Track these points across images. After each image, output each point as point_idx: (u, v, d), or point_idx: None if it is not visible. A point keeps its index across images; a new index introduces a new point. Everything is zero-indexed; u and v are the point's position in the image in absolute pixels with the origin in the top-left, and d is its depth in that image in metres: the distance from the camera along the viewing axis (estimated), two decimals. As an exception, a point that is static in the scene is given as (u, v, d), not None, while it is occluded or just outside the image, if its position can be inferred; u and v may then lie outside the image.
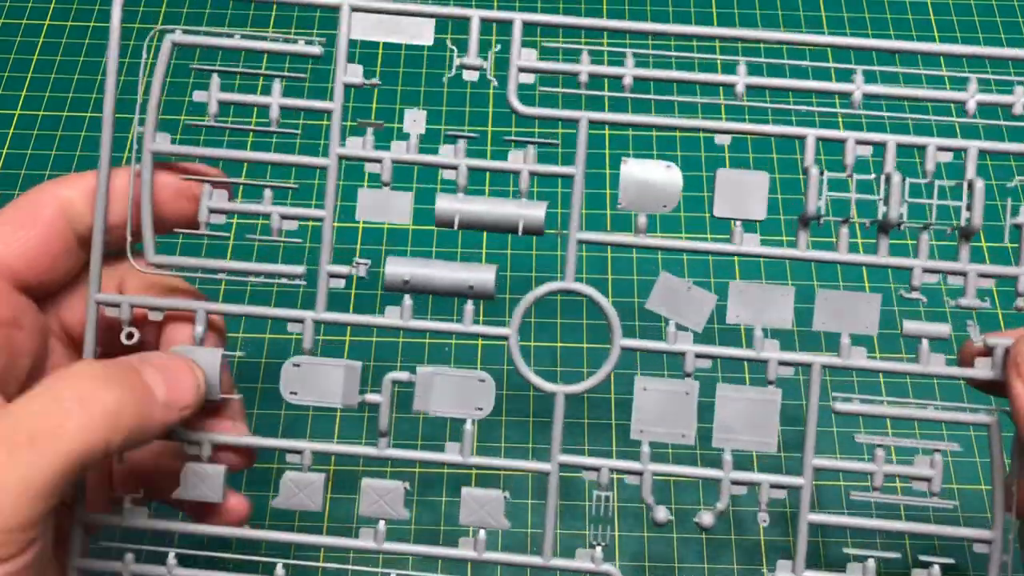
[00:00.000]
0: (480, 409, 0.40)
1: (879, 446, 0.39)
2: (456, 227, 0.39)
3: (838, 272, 0.56)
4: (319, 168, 0.40)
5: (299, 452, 0.40)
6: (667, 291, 0.40)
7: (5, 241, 0.37)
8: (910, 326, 0.39)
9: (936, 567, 0.39)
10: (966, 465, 0.51)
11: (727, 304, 0.40)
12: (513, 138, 0.40)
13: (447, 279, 0.40)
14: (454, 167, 0.40)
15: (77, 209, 0.38)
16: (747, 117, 0.40)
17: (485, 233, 0.56)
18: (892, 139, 0.39)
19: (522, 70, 0.40)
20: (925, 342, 0.39)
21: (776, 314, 0.39)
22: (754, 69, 0.39)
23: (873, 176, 0.39)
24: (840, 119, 0.58)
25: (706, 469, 0.40)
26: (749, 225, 0.40)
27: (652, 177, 0.39)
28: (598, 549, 0.40)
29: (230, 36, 0.39)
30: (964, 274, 0.39)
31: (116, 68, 0.39)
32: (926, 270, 0.39)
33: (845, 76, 0.39)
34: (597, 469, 0.40)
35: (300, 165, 0.40)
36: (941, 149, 0.39)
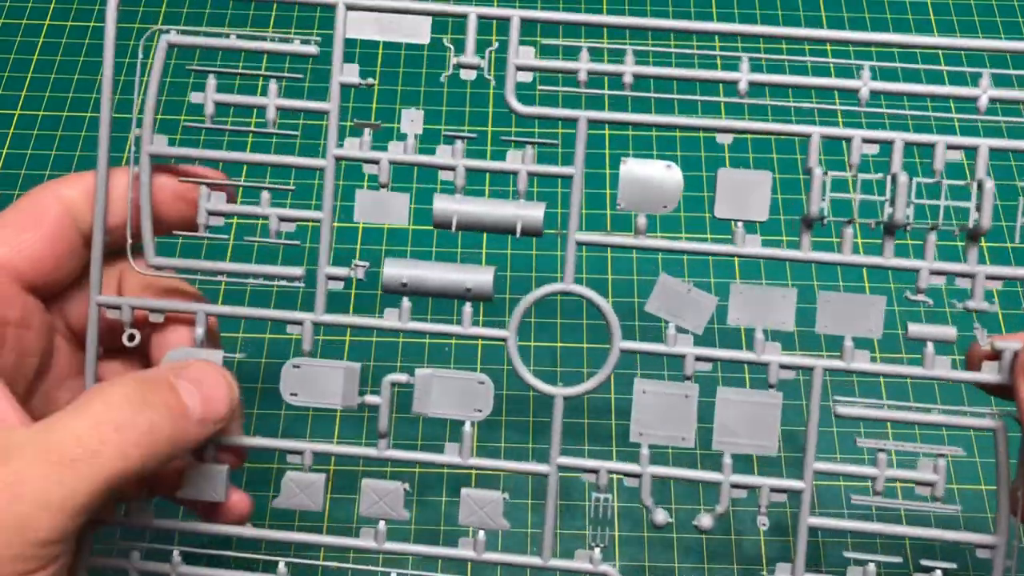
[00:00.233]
0: (479, 411, 0.40)
1: (881, 450, 0.39)
2: (454, 229, 0.39)
3: (837, 272, 0.55)
4: (316, 169, 0.39)
5: (300, 453, 0.40)
6: (667, 293, 0.40)
7: (10, 243, 0.37)
8: (915, 329, 0.39)
9: (938, 572, 0.39)
10: (965, 466, 0.50)
11: (726, 305, 0.39)
12: (512, 138, 0.40)
13: (445, 281, 0.39)
14: (452, 168, 0.39)
15: (80, 209, 0.38)
16: (747, 115, 0.40)
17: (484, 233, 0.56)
18: (900, 137, 0.38)
19: (520, 68, 0.39)
20: (930, 345, 0.39)
21: (777, 316, 0.39)
22: (753, 66, 0.39)
23: (880, 176, 0.39)
24: (839, 117, 0.57)
25: (706, 472, 0.40)
26: (749, 226, 0.39)
27: (652, 177, 0.39)
28: (597, 550, 0.40)
29: (226, 36, 0.39)
30: (972, 276, 0.38)
31: (112, 73, 0.38)
32: (933, 272, 0.38)
33: (847, 72, 0.39)
34: (596, 471, 0.40)
35: (297, 167, 0.40)
36: (951, 147, 0.38)
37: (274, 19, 0.65)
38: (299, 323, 0.40)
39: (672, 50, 0.37)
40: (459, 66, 0.39)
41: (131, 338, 0.40)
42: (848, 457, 0.50)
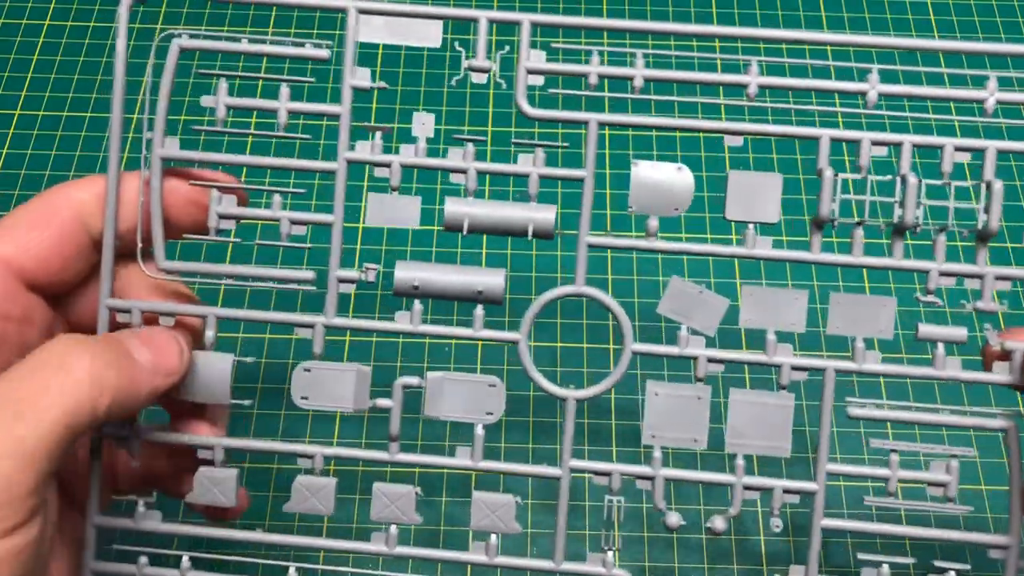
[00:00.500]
0: (490, 414, 0.40)
1: (894, 451, 0.39)
2: (466, 232, 0.39)
3: (837, 273, 0.56)
4: (327, 172, 0.39)
5: (310, 457, 0.40)
6: (678, 295, 0.40)
7: (18, 242, 0.37)
8: (925, 329, 0.39)
9: (952, 573, 0.39)
10: (965, 466, 0.50)
11: (737, 307, 0.39)
12: (522, 141, 0.40)
13: (457, 284, 0.39)
14: (463, 171, 0.39)
15: (91, 212, 0.38)
16: (747, 117, 0.40)
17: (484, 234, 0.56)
18: (908, 139, 0.38)
19: (531, 72, 0.39)
20: (941, 346, 0.39)
21: (788, 318, 0.39)
22: (760, 69, 0.39)
23: (888, 177, 0.39)
24: (840, 119, 0.57)
25: (719, 474, 0.40)
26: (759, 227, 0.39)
27: (663, 180, 0.39)
28: (609, 554, 0.40)
29: (237, 40, 0.39)
30: (981, 277, 0.39)
31: (124, 78, 0.38)
32: (943, 273, 0.39)
33: (851, 75, 0.39)
34: (608, 474, 0.39)
35: (309, 170, 0.40)
36: (959, 149, 0.38)
37: (273, 19, 0.64)
38: (310, 326, 0.40)
39: (672, 53, 0.37)
40: (470, 69, 0.39)
41: None
42: (848, 457, 0.50)
